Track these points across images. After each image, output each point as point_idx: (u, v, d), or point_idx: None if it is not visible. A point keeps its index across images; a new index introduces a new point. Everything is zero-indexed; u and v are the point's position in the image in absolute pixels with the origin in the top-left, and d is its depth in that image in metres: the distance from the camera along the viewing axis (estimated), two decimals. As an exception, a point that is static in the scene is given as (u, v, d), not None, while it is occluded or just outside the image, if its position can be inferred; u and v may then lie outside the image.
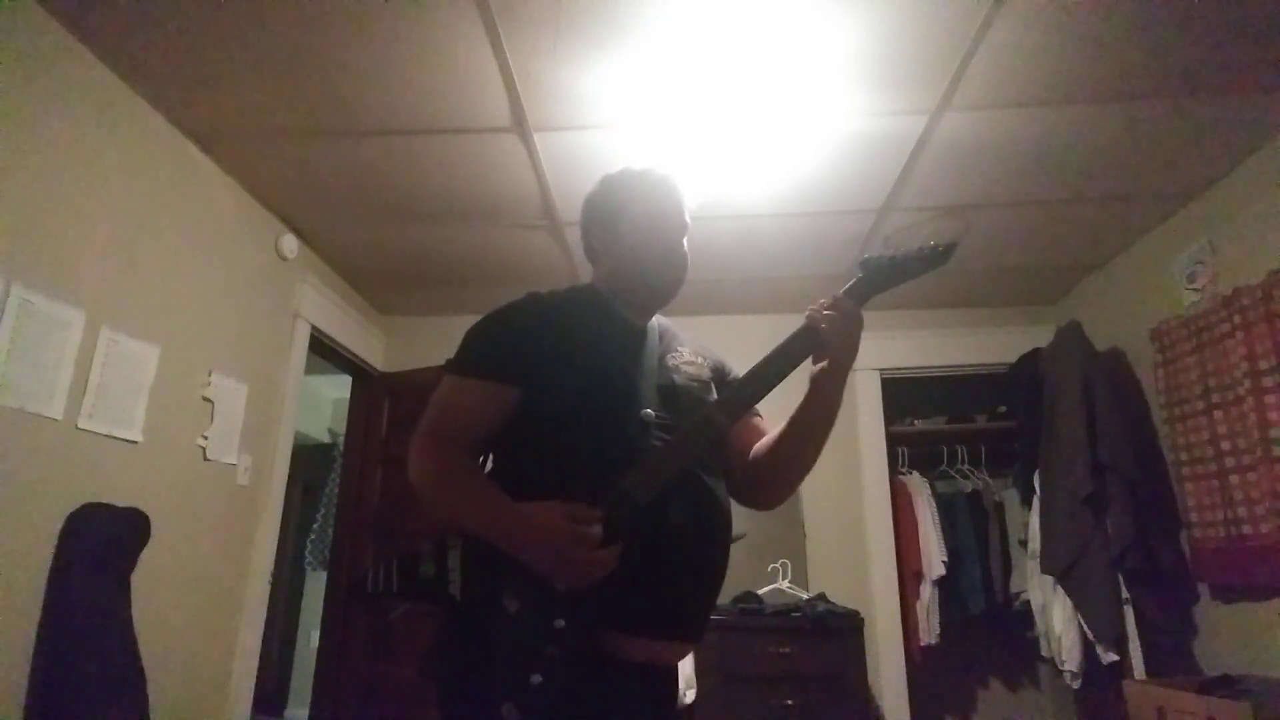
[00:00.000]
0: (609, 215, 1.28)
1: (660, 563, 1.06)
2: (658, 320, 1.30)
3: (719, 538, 1.16)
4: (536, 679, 0.95)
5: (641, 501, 1.02)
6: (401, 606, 1.12)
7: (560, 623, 0.98)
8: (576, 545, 0.98)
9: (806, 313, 1.10)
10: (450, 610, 1.06)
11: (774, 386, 1.10)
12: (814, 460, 1.19)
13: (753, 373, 1.11)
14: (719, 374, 1.31)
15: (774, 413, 1.25)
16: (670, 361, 1.23)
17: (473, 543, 1.05)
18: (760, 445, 1.23)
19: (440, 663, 1.08)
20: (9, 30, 1.74)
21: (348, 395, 3.87)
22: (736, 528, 1.21)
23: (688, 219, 1.29)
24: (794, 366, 1.11)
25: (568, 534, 0.98)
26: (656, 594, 1.06)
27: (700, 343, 1.34)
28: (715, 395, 1.24)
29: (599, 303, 1.26)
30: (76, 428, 1.91)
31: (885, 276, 1.10)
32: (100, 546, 1.93)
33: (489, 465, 1.21)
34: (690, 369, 1.24)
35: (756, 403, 1.15)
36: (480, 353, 1.17)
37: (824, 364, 1.11)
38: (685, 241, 1.28)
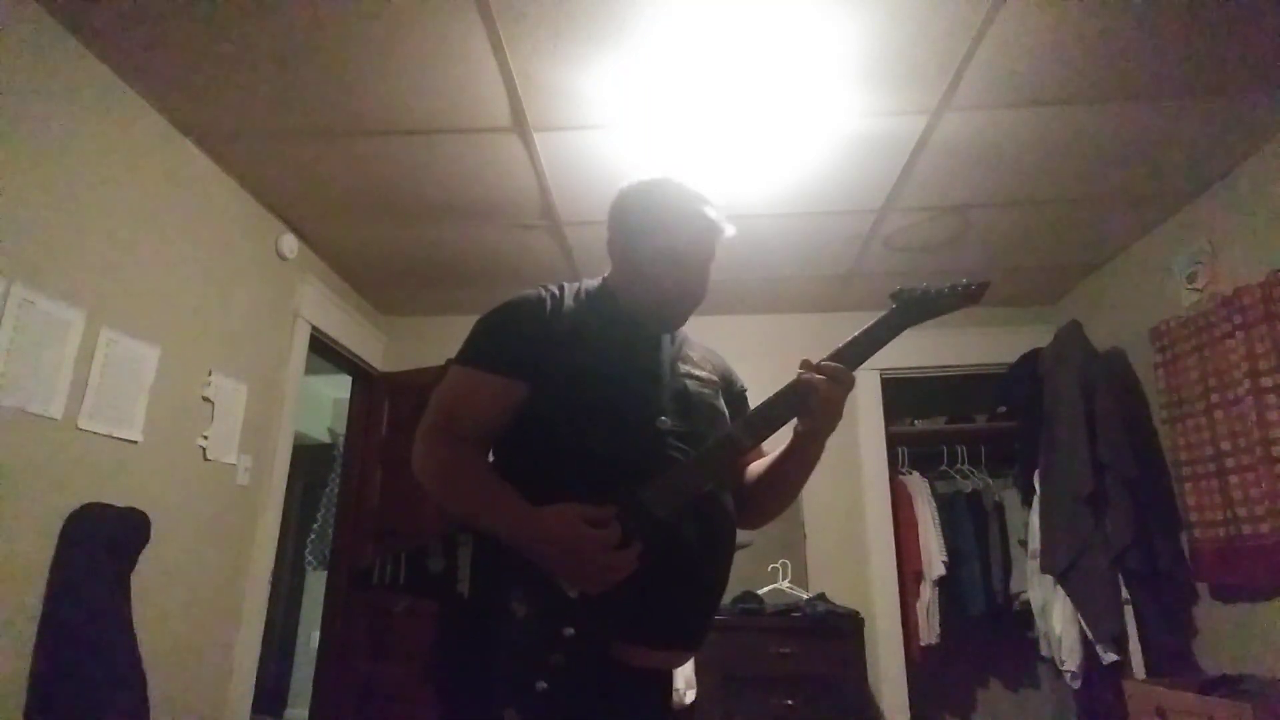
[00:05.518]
0: (639, 227, 1.23)
1: (671, 575, 1.05)
2: None
3: (727, 551, 1.16)
4: (541, 685, 0.94)
5: (661, 516, 1.02)
6: (405, 601, 1.12)
7: (570, 631, 0.97)
8: (593, 548, 0.97)
9: (800, 365, 1.11)
10: (454, 608, 1.04)
11: (795, 415, 1.12)
12: (786, 502, 1.27)
13: (777, 397, 1.11)
14: (726, 382, 1.30)
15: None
16: (681, 368, 1.22)
17: (483, 541, 1.03)
18: (749, 471, 1.27)
19: (441, 661, 1.06)
20: (9, 30, 1.74)
21: (348, 395, 3.87)
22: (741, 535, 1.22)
23: (716, 250, 1.25)
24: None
25: (585, 537, 0.97)
26: (665, 606, 1.06)
27: (709, 348, 1.33)
28: (722, 403, 1.24)
29: (613, 305, 1.23)
30: (76, 428, 1.91)
31: (917, 309, 1.13)
32: (100, 546, 1.93)
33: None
34: (702, 374, 1.24)
35: (778, 429, 1.12)
36: (490, 345, 1.15)
37: (808, 426, 1.12)
38: (710, 267, 1.25)
